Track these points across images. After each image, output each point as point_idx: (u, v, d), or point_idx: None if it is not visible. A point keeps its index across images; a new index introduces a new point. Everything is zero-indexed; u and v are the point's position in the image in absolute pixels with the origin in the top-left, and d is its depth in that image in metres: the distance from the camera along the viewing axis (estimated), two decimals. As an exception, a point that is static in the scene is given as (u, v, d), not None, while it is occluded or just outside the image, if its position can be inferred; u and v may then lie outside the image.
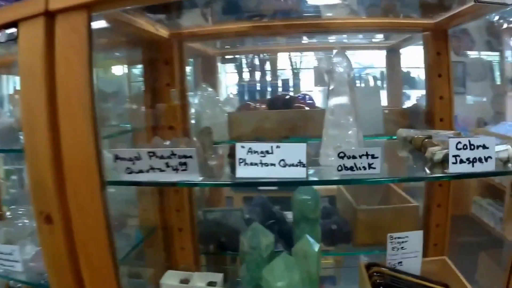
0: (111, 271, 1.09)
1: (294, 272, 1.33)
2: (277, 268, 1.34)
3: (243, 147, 1.18)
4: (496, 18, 3.57)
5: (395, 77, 2.35)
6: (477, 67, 4.39)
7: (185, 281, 1.62)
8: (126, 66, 2.17)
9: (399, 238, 1.53)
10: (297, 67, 3.05)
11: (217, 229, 1.84)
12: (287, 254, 1.37)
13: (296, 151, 1.17)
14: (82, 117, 1.03)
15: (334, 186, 2.22)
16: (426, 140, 1.33)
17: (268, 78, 2.92)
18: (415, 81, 3.64)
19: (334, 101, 1.38)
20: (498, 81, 4.42)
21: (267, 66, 2.93)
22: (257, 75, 2.95)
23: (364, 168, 1.18)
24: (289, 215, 1.86)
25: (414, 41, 2.11)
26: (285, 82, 3.05)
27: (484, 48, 4.26)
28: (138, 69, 1.92)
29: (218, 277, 1.63)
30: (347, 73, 1.37)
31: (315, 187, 1.66)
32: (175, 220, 1.76)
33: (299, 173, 1.17)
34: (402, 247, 1.54)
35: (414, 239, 1.54)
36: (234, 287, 1.77)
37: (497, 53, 4.32)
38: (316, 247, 1.46)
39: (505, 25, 3.81)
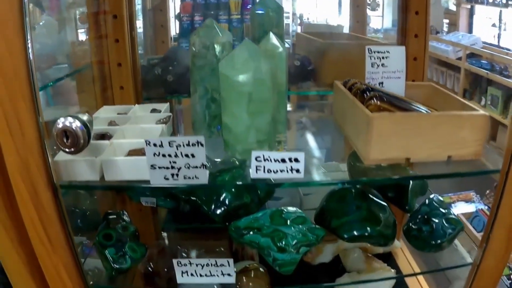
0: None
1: (261, 62, 1.07)
2: (238, 58, 1.08)
3: None
4: None
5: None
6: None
7: (124, 114, 1.34)
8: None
9: (379, 52, 1.31)
10: None
11: (163, 67, 1.54)
12: (251, 41, 1.11)
13: None
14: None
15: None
16: None
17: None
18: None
19: None
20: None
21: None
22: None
23: None
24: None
25: None
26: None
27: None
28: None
29: (162, 106, 1.35)
30: None
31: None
32: (113, 53, 1.44)
33: None
34: (383, 64, 1.31)
35: (396, 55, 1.32)
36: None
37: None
38: (283, 48, 1.21)
39: None
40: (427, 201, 1.30)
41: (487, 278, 1.20)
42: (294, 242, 1.11)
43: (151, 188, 1.25)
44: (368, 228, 1.19)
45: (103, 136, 1.17)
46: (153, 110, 1.32)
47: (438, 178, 1.34)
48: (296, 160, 1.02)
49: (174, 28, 2.19)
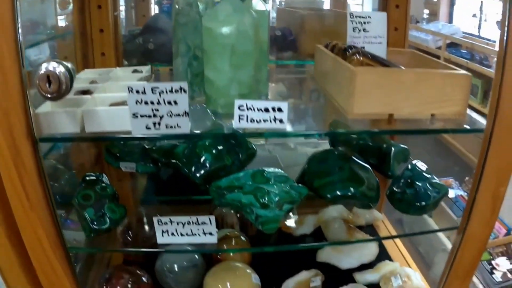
0: None
1: (244, 16, 1.07)
2: (222, 11, 1.07)
3: None
4: None
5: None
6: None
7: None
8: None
9: (360, 17, 1.31)
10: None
11: (144, 35, 1.52)
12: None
13: None
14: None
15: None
16: None
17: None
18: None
19: None
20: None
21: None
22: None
23: None
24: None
25: None
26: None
27: None
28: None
29: (144, 68, 1.33)
30: None
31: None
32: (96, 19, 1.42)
33: None
34: (364, 29, 1.32)
35: (378, 20, 1.32)
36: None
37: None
38: (266, 7, 1.20)
39: None
40: (409, 166, 1.30)
41: (473, 243, 1.19)
42: (277, 199, 1.09)
43: (133, 147, 1.24)
44: (351, 188, 1.18)
45: (85, 92, 1.14)
46: (135, 71, 1.29)
47: (420, 134, 1.34)
48: (280, 109, 1.00)
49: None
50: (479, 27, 4.25)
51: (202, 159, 1.22)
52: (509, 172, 1.12)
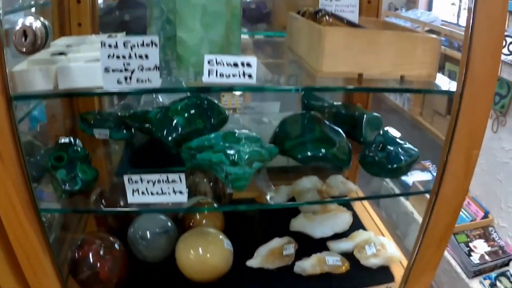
0: None
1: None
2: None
3: None
4: None
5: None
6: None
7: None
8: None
9: (333, -15, 1.33)
10: None
11: (120, 8, 1.53)
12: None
13: None
14: None
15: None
16: None
17: None
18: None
19: None
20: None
21: None
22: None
23: None
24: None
25: None
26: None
27: None
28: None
29: (119, 34, 1.33)
30: None
31: None
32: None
33: None
34: (336, -3, 1.33)
35: (351, -10, 1.34)
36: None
37: None
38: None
39: None
40: (381, 132, 1.31)
41: (447, 208, 1.19)
42: (246, 157, 1.09)
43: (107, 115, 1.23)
44: (323, 150, 1.19)
45: (60, 54, 1.14)
46: (109, 36, 1.29)
47: (390, 91, 1.36)
48: (249, 65, 1.02)
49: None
50: (458, 16, 4.30)
51: (174, 123, 1.23)
52: (481, 134, 1.11)
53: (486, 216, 2.45)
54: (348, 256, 1.42)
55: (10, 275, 1.12)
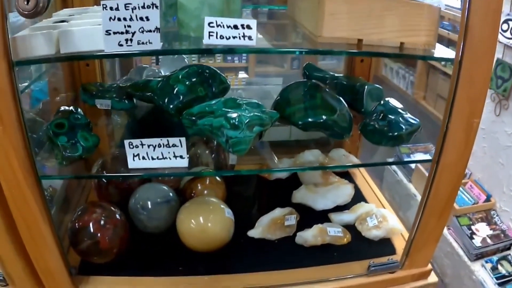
0: None
1: None
2: None
3: None
4: None
5: None
6: None
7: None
8: None
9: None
10: None
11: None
12: None
13: None
14: None
15: None
16: None
17: None
18: None
19: None
20: None
21: None
22: None
23: None
24: None
25: None
26: None
27: None
28: None
29: None
30: None
31: None
32: None
33: None
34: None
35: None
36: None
37: None
38: None
39: None
40: (382, 102, 1.31)
41: (448, 176, 1.19)
42: (247, 120, 1.10)
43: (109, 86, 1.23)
44: (323, 116, 1.19)
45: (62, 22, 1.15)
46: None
47: (391, 57, 1.36)
48: (249, 27, 1.02)
49: None
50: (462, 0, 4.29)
51: (175, 91, 1.23)
52: (482, 103, 1.10)
53: (488, 199, 2.45)
54: (350, 228, 1.42)
55: (11, 246, 1.12)
